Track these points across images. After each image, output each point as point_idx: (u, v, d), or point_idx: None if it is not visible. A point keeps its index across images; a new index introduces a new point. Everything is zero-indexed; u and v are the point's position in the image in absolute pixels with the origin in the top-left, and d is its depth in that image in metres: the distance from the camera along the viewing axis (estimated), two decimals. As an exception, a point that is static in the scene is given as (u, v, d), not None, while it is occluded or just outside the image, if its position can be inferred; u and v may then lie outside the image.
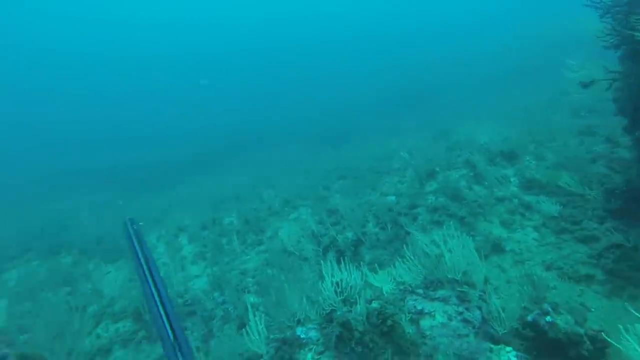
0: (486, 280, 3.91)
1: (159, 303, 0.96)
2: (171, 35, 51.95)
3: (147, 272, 1.10)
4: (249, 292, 5.44)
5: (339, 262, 3.91)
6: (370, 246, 5.89)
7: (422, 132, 10.40)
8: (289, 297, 3.68)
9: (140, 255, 1.22)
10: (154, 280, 1.06)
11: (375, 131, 17.90)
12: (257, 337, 3.24)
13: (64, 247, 7.63)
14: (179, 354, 0.99)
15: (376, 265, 5.55)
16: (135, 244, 1.28)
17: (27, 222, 9.34)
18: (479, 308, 3.43)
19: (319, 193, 8.99)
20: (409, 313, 3.43)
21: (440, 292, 3.71)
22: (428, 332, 3.37)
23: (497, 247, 4.73)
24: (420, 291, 3.79)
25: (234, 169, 13.92)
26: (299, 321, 3.53)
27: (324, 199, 8.53)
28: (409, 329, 3.35)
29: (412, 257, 4.07)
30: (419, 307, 3.59)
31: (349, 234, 6.10)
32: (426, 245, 4.31)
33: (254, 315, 3.83)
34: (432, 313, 3.52)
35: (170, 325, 0.99)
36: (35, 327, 4.83)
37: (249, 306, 4.56)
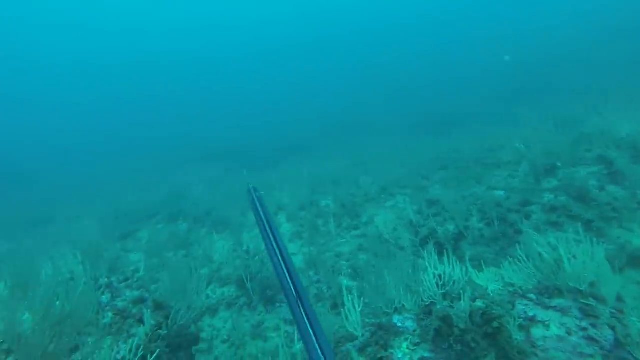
0: (620, 298, 3.34)
1: (282, 261, 1.06)
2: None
3: (270, 234, 1.21)
4: (343, 274, 5.57)
5: (438, 255, 3.76)
6: (472, 242, 5.51)
7: (542, 122, 9.22)
8: (387, 284, 3.64)
9: (263, 218, 1.34)
10: (276, 241, 1.16)
11: (483, 120, 16.53)
12: (354, 319, 3.29)
13: (181, 215, 8.77)
14: (300, 305, 1.07)
15: (478, 263, 5.21)
16: (259, 208, 1.42)
17: (156, 192, 10.89)
18: (612, 328, 2.95)
19: (418, 182, 8.69)
20: (518, 318, 3.13)
21: (558, 301, 3.29)
22: (540, 343, 3.04)
23: (637, 260, 4.00)
24: (533, 296, 3.42)
25: (331, 154, 14.23)
26: (396, 309, 3.49)
27: (423, 188, 8.22)
28: (517, 335, 3.06)
29: (524, 258, 3.68)
30: (531, 314, 3.25)
31: (450, 227, 5.78)
32: (541, 247, 3.86)
33: (351, 297, 3.92)
34: (547, 322, 3.16)
35: (293, 282, 1.08)
36: (162, 280, 5.71)
37: (343, 288, 4.70)
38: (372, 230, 6.80)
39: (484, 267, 4.79)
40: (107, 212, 9.67)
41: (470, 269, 3.82)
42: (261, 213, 1.40)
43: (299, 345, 4.72)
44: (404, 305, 3.75)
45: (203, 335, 4.80)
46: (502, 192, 6.05)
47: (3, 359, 2.76)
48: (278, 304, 5.18)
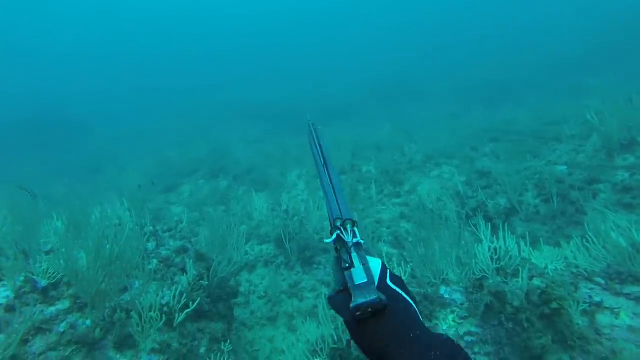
0: None
1: (334, 189, 0.98)
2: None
3: (323, 162, 1.08)
4: (383, 241, 5.41)
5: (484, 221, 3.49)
6: (525, 218, 5.13)
7: (616, 93, 8.25)
8: (435, 253, 3.43)
9: (318, 148, 1.23)
10: (328, 169, 1.05)
11: (541, 91, 15.22)
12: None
13: (222, 172, 8.87)
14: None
15: (530, 240, 4.86)
16: (315, 139, 1.31)
17: (198, 148, 11.05)
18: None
19: (466, 153, 8.19)
20: (582, 302, 2.83)
21: (632, 289, 2.95)
22: (606, 331, 2.76)
23: None
24: (600, 280, 3.09)
25: (375, 120, 13.76)
26: (443, 280, 3.30)
27: (472, 160, 7.74)
28: (579, 320, 2.79)
29: (592, 239, 3.31)
30: (597, 299, 2.94)
31: (501, 201, 5.40)
32: (611, 228, 3.45)
33: (394, 264, 3.76)
34: (616, 310, 2.85)
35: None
36: (203, 233, 5.83)
37: (383, 254, 4.55)
38: (414, 199, 6.53)
39: (538, 244, 4.45)
40: (153, 165, 10.00)
41: (524, 246, 3.52)
42: (316, 142, 1.28)
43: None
44: (449, 278, 3.56)
45: (240, 289, 4.89)
46: (564, 167, 5.52)
47: (65, 290, 2.87)
48: (315, 266, 5.15)
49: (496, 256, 3.15)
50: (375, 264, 0.78)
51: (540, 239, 4.70)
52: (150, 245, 3.96)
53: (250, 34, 54.04)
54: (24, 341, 2.48)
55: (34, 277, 2.81)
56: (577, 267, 3.17)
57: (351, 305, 0.67)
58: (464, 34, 33.27)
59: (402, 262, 4.91)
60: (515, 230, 4.97)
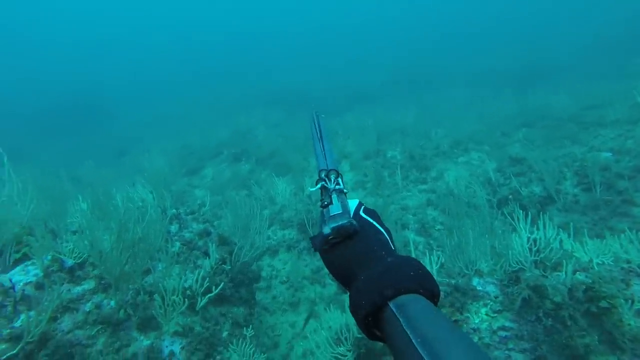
0: None
1: (323, 146, 1.00)
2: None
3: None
4: (408, 229, 5.23)
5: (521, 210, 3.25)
6: (563, 208, 4.82)
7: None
8: (468, 243, 3.24)
9: (318, 134, 1.16)
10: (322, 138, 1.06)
11: (579, 73, 14.36)
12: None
13: (244, 156, 8.81)
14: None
15: (569, 232, 4.57)
16: (316, 126, 1.23)
17: (221, 133, 11.03)
18: None
19: (497, 139, 7.81)
20: (635, 301, 2.59)
21: (691, 287, 2.68)
22: (661, 333, 2.52)
23: None
24: (655, 278, 2.83)
25: (400, 104, 13.36)
26: (476, 271, 3.11)
27: (503, 146, 7.37)
28: (631, 321, 2.56)
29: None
30: (651, 298, 2.69)
31: (537, 189, 5.09)
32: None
33: (423, 254, 3.60)
34: (673, 310, 2.60)
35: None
36: (225, 217, 5.81)
37: (410, 242, 4.37)
38: (441, 186, 6.28)
39: (579, 236, 4.18)
40: (176, 149, 10.08)
41: (566, 238, 3.27)
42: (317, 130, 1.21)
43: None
44: (481, 269, 3.36)
45: (263, 274, 4.84)
46: (609, 154, 5.12)
47: (90, 270, 2.87)
48: (339, 252, 5.04)
49: (535, 248, 2.93)
50: (353, 202, 0.81)
51: (582, 231, 4.42)
52: (174, 228, 3.94)
53: (273, 19, 53.50)
54: (53, 319, 2.49)
55: (62, 256, 2.81)
56: (628, 262, 2.90)
57: (324, 231, 0.69)
58: (493, 15, 31.79)
59: (428, 250, 4.74)
60: (552, 220, 4.66)
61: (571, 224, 4.10)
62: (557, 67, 16.77)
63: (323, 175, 0.88)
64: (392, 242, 0.74)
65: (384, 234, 0.74)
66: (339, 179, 0.86)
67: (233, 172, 7.77)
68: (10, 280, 2.51)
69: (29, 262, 2.73)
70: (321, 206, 0.78)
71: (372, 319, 0.57)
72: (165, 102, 20.75)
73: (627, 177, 4.53)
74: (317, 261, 4.98)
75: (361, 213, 0.79)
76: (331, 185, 0.83)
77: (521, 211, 3.35)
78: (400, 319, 0.51)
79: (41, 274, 2.67)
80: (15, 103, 23.10)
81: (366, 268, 0.63)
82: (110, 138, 14.38)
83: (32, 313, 2.41)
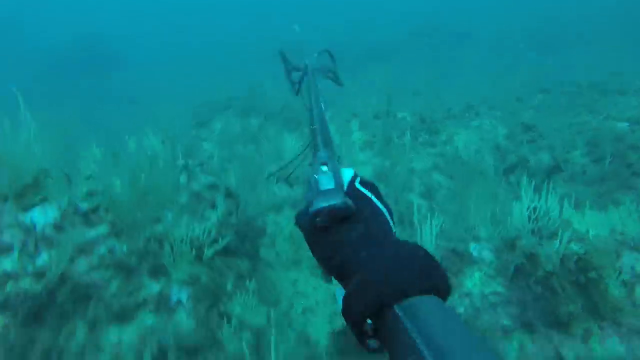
0: None
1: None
2: None
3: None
4: (414, 192, 5.30)
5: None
6: (569, 178, 4.80)
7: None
8: (468, 208, 3.31)
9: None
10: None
11: (605, 38, 13.58)
12: (427, 239, 3.07)
13: (254, 110, 8.75)
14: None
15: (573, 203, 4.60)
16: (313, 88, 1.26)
17: (231, 85, 10.85)
18: None
19: (511, 105, 7.61)
20: (624, 272, 2.68)
21: (682, 262, 2.75)
22: (645, 303, 2.63)
23: None
24: (648, 251, 2.89)
25: (414, 64, 12.94)
26: (474, 237, 3.20)
27: (516, 112, 7.19)
28: (616, 291, 2.66)
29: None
30: (640, 270, 2.77)
31: (545, 157, 5.05)
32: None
33: (422, 216, 3.67)
34: (660, 283, 2.68)
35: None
36: (232, 171, 5.92)
37: (415, 205, 4.46)
38: (450, 150, 6.25)
39: (582, 207, 4.21)
40: (185, 99, 10.04)
41: (567, 207, 3.31)
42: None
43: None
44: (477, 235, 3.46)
45: (267, 229, 5.01)
46: (625, 124, 5.00)
47: (104, 215, 3.02)
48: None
49: (534, 216, 2.99)
50: (347, 173, 0.72)
51: (583, 203, 4.44)
52: (182, 178, 4.05)
53: None
54: (70, 260, 2.67)
55: (77, 200, 2.95)
56: (622, 234, 2.96)
57: (310, 210, 0.59)
58: None
59: (430, 213, 4.83)
60: (556, 190, 4.69)
61: (573, 194, 4.12)
62: (585, 31, 15.86)
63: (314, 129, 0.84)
64: (392, 221, 0.65)
65: (384, 214, 0.64)
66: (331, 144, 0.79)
67: (242, 125, 7.78)
68: (32, 219, 2.67)
69: (47, 204, 2.88)
70: (310, 172, 0.70)
71: (371, 325, 0.49)
72: (182, 52, 20.37)
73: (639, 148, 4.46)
74: (321, 218, 5.13)
75: (357, 184, 0.69)
76: (322, 152, 0.75)
77: (526, 178, 3.37)
78: (407, 325, 0.43)
79: (58, 216, 2.82)
80: (26, 43, 22.85)
81: (364, 260, 0.54)
82: (122, 84, 14.33)
83: (52, 252, 2.59)
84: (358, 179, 0.71)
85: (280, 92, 10.03)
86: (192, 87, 12.15)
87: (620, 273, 2.63)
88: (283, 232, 5.11)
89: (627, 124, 4.97)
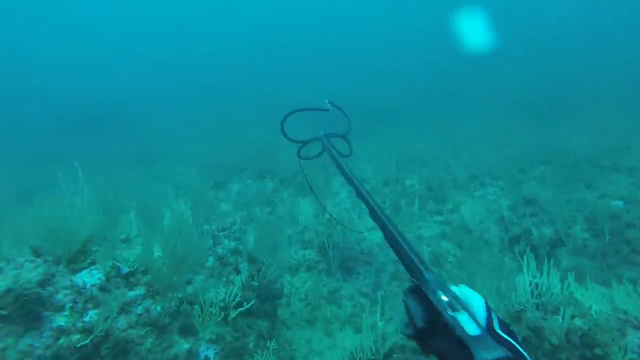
0: None
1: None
2: None
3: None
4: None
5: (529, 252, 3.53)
6: (572, 252, 5.04)
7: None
8: (474, 280, 3.55)
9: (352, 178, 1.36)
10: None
11: (612, 105, 14.38)
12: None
13: (269, 173, 9.26)
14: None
15: (576, 276, 4.79)
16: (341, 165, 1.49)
17: (247, 147, 11.52)
18: None
19: (513, 175, 8.05)
20: (628, 351, 2.85)
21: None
22: (650, 383, 2.76)
23: None
24: (649, 330, 3.07)
25: (420, 128, 13.74)
26: (482, 308, 3.40)
27: (518, 183, 7.60)
28: (622, 368, 2.81)
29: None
30: (644, 348, 2.93)
31: (547, 231, 5.33)
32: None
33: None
34: (663, 362, 2.83)
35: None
36: (253, 234, 6.24)
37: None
38: (456, 219, 6.56)
39: (584, 281, 4.41)
40: (204, 160, 10.66)
41: (572, 282, 3.53)
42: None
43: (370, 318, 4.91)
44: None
45: (283, 290, 5.21)
46: (620, 203, 5.34)
47: (141, 278, 3.31)
48: (355, 276, 5.38)
49: (537, 292, 3.22)
50: (476, 302, 0.72)
51: (586, 276, 4.64)
52: (208, 243, 4.38)
53: (290, 31, 54.40)
54: (112, 318, 2.92)
55: (119, 264, 3.26)
56: (625, 313, 3.16)
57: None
58: (519, 32, 31.80)
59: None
60: (561, 263, 4.91)
61: (572, 272, 4.37)
62: (586, 96, 16.77)
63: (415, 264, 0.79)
64: None
65: None
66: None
67: (258, 188, 8.23)
68: (84, 282, 2.97)
69: (94, 267, 3.19)
70: (445, 311, 0.66)
71: None
72: (188, 109, 21.68)
73: (637, 227, 4.75)
74: (334, 282, 5.33)
75: (498, 330, 0.68)
76: (429, 275, 0.74)
77: (531, 253, 3.64)
78: None
79: (104, 278, 3.12)
80: (45, 103, 24.51)
81: None
82: (137, 143, 15.16)
83: (98, 310, 2.86)
84: (496, 319, 0.70)
85: (293, 155, 10.66)
86: (207, 144, 12.87)
87: (626, 352, 2.79)
88: (298, 293, 5.31)
89: (622, 202, 5.31)
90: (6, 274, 2.74)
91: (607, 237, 4.73)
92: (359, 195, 1.20)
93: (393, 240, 0.95)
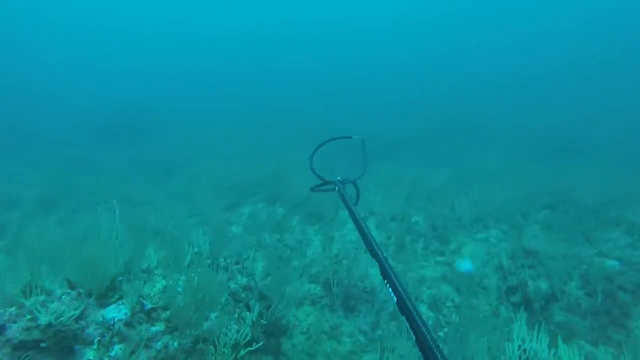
0: None
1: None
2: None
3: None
4: (422, 301, 5.79)
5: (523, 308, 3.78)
6: (565, 308, 5.26)
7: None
8: (470, 340, 3.82)
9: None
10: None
11: (626, 150, 14.57)
12: None
13: (279, 199, 9.58)
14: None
15: (567, 332, 5.01)
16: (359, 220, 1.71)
17: (261, 168, 11.88)
18: None
19: (515, 219, 8.28)
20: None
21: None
22: None
23: None
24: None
25: (432, 159, 14.05)
26: (473, 367, 3.67)
27: (520, 228, 7.82)
28: None
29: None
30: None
31: (543, 285, 5.56)
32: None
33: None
34: None
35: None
36: (258, 261, 6.56)
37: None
38: (458, 261, 6.81)
39: (574, 339, 4.64)
40: (218, 179, 11.08)
41: (560, 342, 3.77)
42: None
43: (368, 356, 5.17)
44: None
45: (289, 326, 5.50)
46: (616, 263, 5.55)
47: (161, 314, 3.64)
48: (356, 313, 5.65)
49: (525, 356, 3.47)
50: None
51: (577, 334, 4.86)
52: (223, 277, 4.69)
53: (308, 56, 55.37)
54: (135, 353, 3.25)
55: (143, 300, 3.60)
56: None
57: None
58: (542, 71, 32.10)
59: (438, 327, 5.30)
60: (553, 318, 5.13)
61: (555, 319, 4.59)
62: (599, 139, 16.94)
63: None
64: None
65: None
66: None
67: (267, 214, 8.57)
68: (112, 317, 3.31)
69: (121, 302, 3.53)
70: None
71: None
72: (211, 121, 22.29)
73: (629, 291, 4.96)
74: (336, 318, 5.60)
75: None
76: None
77: (525, 309, 3.88)
78: None
79: (129, 314, 3.46)
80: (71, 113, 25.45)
81: None
82: (159, 154, 15.70)
83: (123, 345, 3.19)
84: None
85: (304, 182, 11.01)
86: (227, 160, 13.33)
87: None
88: (301, 325, 5.59)
89: (618, 263, 5.52)
90: (49, 308, 3.08)
91: (599, 299, 4.94)
92: (373, 255, 1.48)
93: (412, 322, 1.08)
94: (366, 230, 1.60)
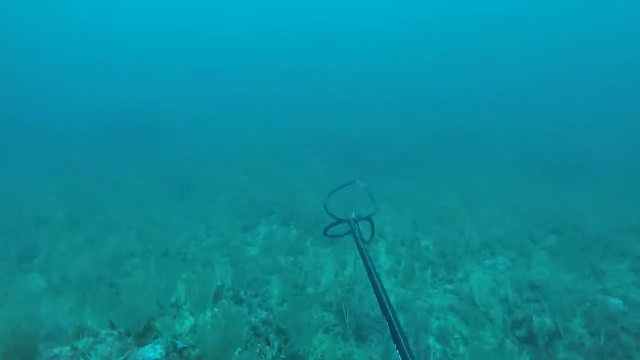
0: None
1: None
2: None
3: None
4: (430, 332, 6.06)
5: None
6: (569, 345, 5.48)
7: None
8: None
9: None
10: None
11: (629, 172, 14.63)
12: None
13: (293, 220, 9.87)
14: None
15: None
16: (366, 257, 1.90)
17: (277, 187, 12.22)
18: None
19: (524, 244, 8.50)
20: None
21: None
22: None
23: None
24: None
25: (440, 179, 14.25)
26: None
27: (528, 255, 8.04)
28: None
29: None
30: None
31: (548, 320, 5.79)
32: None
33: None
34: None
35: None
36: (273, 285, 6.86)
37: (429, 347, 5.22)
38: (465, 289, 7.05)
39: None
40: (235, 199, 11.46)
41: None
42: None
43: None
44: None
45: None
46: (619, 302, 5.76)
47: (191, 351, 3.99)
48: (368, 343, 5.95)
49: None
50: None
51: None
52: (244, 310, 5.04)
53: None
54: (168, 391, 3.60)
55: (176, 341, 3.96)
56: None
57: None
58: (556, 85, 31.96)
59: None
60: (557, 355, 5.36)
61: (559, 356, 4.82)
62: (610, 158, 16.96)
63: None
64: None
65: None
66: None
67: (282, 236, 8.90)
68: (149, 357, 3.67)
69: (156, 342, 3.89)
70: None
71: None
72: (219, 124, 22.66)
73: (632, 333, 5.17)
74: (348, 347, 5.91)
75: None
76: None
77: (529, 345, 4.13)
78: None
79: (164, 353, 3.82)
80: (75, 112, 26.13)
81: None
82: (172, 163, 16.12)
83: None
84: None
85: (318, 204, 11.33)
86: (238, 177, 13.74)
87: None
88: (315, 353, 5.90)
89: (622, 302, 5.72)
90: (97, 351, 3.46)
91: (602, 339, 5.17)
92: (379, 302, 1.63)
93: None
94: (376, 278, 1.80)
